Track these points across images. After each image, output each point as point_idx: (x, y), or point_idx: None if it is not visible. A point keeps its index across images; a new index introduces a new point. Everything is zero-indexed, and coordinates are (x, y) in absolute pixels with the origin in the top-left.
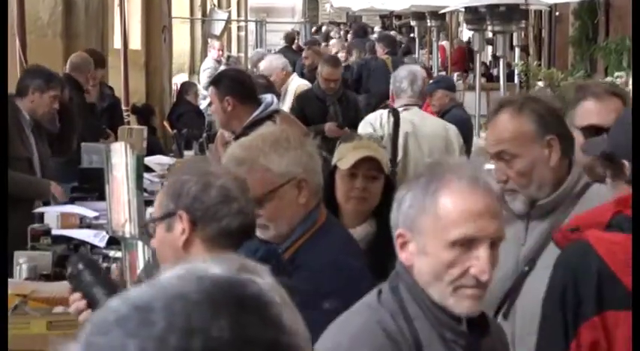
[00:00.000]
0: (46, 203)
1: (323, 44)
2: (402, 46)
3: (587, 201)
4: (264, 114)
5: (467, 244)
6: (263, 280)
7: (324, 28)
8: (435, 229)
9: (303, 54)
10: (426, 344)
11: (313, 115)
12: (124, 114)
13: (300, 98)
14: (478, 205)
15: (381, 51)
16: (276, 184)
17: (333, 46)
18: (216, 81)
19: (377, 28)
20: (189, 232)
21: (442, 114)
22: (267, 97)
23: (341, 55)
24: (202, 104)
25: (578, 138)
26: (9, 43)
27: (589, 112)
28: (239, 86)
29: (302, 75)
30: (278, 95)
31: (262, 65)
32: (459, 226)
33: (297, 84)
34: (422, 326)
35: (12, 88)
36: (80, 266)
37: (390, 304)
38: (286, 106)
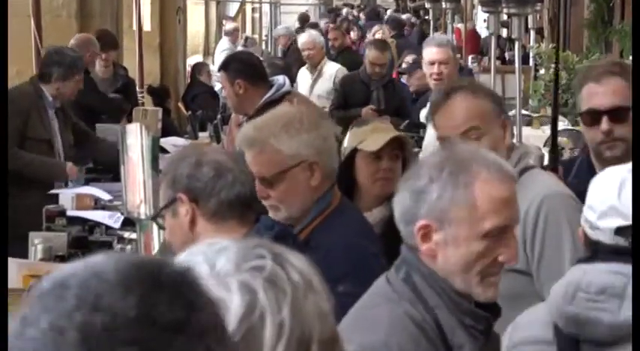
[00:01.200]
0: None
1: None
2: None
3: (519, 186)
4: (276, 95)
5: (497, 234)
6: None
7: (344, 11)
8: (470, 220)
9: (331, 35)
10: (448, 330)
11: (356, 98)
12: (139, 95)
13: (344, 81)
14: (507, 193)
15: (387, 33)
16: (286, 165)
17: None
18: (225, 65)
19: (390, 11)
20: (191, 212)
21: (419, 94)
22: (279, 79)
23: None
24: (217, 86)
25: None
26: (24, 24)
27: (588, 95)
28: (249, 68)
29: (329, 56)
30: (292, 78)
31: (303, 38)
32: (495, 217)
33: (335, 68)
34: (441, 314)
35: (24, 68)
36: None
37: (407, 294)
38: (321, 88)
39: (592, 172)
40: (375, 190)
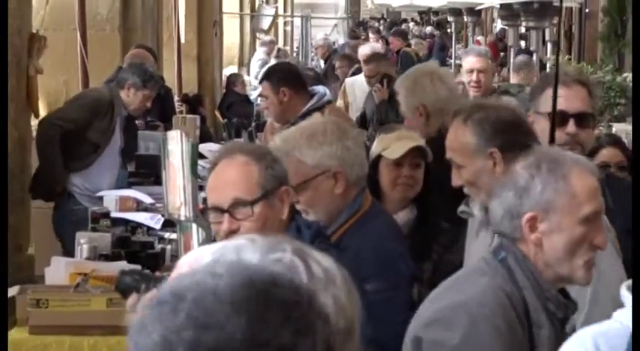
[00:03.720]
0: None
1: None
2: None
3: None
4: (318, 104)
5: (593, 218)
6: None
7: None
8: (571, 207)
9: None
10: (532, 309)
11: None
12: (177, 103)
13: None
14: (596, 183)
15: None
16: (310, 175)
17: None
18: (268, 75)
19: (411, 25)
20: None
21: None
22: (320, 89)
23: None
24: (252, 94)
25: (544, 124)
26: (70, 37)
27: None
28: (293, 77)
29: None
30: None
31: (365, 50)
32: (590, 202)
33: None
34: (528, 294)
35: (70, 77)
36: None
37: (501, 272)
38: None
39: None
40: (396, 195)
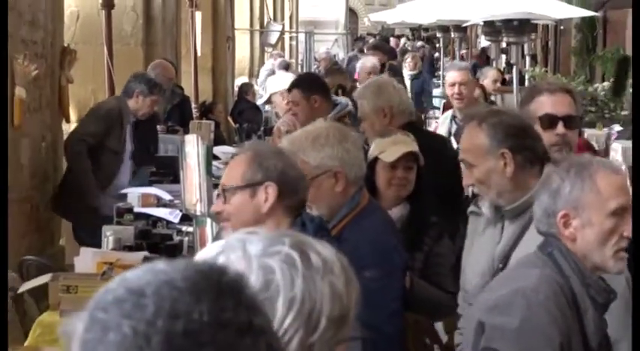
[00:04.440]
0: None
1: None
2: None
3: None
4: (341, 113)
5: (621, 212)
6: (322, 249)
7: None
8: (598, 203)
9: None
10: (579, 296)
11: None
12: (194, 111)
13: None
14: (622, 180)
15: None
16: (313, 174)
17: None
18: (298, 83)
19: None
20: (273, 201)
21: None
22: (342, 99)
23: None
24: (259, 101)
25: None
26: (98, 51)
27: (544, 103)
28: (322, 86)
29: None
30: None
31: (368, 63)
32: (615, 198)
33: None
34: (574, 283)
35: (97, 87)
36: None
37: (549, 264)
38: None
39: None
40: (390, 194)
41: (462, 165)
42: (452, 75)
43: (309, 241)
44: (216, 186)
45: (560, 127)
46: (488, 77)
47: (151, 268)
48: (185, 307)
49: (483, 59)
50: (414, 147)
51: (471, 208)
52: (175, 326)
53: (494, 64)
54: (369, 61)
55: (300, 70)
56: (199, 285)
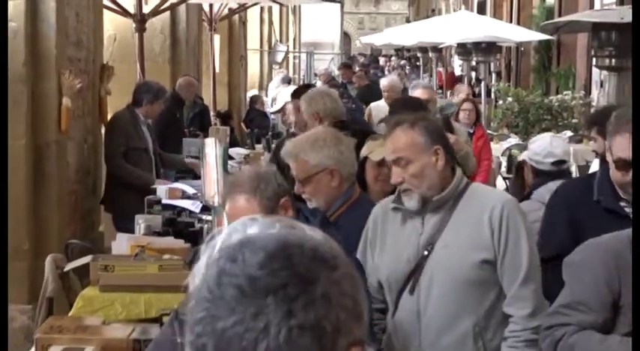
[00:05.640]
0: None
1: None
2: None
3: (468, 196)
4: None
5: None
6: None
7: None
8: None
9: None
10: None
11: None
12: (213, 118)
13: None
14: None
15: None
16: (312, 172)
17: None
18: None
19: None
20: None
21: None
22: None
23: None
24: (270, 110)
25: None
26: (132, 67)
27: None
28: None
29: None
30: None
31: (384, 82)
32: None
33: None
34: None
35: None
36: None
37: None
38: None
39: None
40: (377, 188)
41: (390, 165)
42: (418, 92)
43: (299, 225)
44: None
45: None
46: (461, 92)
47: (252, 235)
48: (282, 264)
49: (455, 75)
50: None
51: (393, 204)
52: (275, 276)
53: (465, 80)
54: (386, 79)
55: (302, 83)
56: (287, 251)
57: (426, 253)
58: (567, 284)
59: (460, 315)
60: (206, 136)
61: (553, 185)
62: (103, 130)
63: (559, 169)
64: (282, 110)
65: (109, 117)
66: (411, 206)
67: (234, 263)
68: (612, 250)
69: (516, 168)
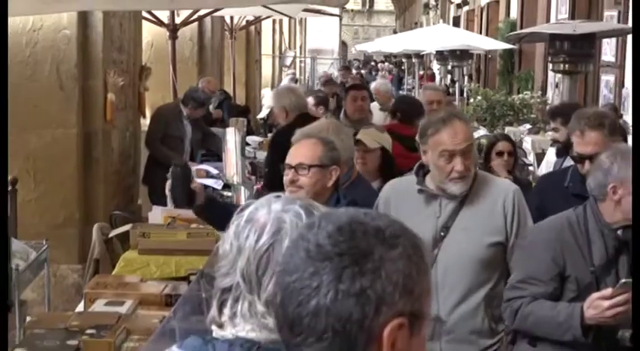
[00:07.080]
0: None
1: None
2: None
3: (478, 184)
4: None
5: None
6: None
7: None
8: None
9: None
10: (592, 232)
11: None
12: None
13: None
14: None
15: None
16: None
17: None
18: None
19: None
20: (335, 179)
21: None
22: None
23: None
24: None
25: None
26: (165, 69)
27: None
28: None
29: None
30: (326, 104)
31: (374, 85)
32: None
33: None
34: (590, 223)
35: (165, 94)
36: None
37: (579, 213)
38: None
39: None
40: (358, 168)
41: (456, 153)
42: (429, 93)
43: (315, 204)
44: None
45: (587, 165)
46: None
47: (333, 212)
48: (348, 236)
49: (433, 78)
50: (369, 139)
51: (418, 186)
52: (338, 244)
53: (442, 82)
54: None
55: (308, 84)
56: (352, 226)
57: (442, 234)
58: (520, 263)
59: (473, 289)
60: (227, 126)
61: None
62: (141, 121)
63: None
64: (270, 115)
65: (147, 109)
66: (459, 191)
67: (310, 231)
68: (554, 230)
69: (485, 154)
